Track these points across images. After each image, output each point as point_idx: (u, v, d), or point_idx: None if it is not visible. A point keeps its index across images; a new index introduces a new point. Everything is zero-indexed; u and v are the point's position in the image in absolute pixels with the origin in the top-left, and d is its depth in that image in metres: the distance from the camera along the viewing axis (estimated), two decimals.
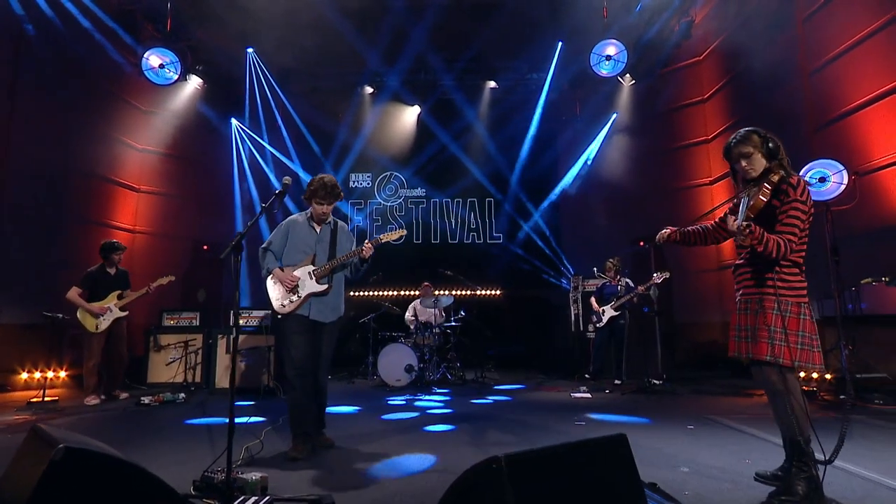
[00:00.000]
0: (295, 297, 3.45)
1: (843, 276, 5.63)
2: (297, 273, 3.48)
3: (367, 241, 3.47)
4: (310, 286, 3.47)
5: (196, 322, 6.73)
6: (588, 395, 5.82)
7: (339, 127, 9.92)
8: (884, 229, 5.59)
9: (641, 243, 9.27)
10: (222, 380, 5.93)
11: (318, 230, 3.62)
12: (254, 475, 2.45)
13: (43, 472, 1.80)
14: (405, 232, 3.72)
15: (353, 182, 10.19)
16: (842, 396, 5.14)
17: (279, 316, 3.50)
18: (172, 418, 4.66)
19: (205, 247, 9.42)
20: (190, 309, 6.90)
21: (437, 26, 8.01)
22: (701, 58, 9.03)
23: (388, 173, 10.31)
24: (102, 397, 5.50)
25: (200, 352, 6.52)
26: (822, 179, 5.77)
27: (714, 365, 8.00)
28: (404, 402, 5.48)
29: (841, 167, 5.65)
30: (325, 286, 3.49)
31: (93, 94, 7.73)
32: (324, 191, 3.46)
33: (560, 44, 8.52)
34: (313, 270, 3.50)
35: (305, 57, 8.34)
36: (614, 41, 7.26)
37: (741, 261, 2.65)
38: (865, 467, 2.85)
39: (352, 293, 8.67)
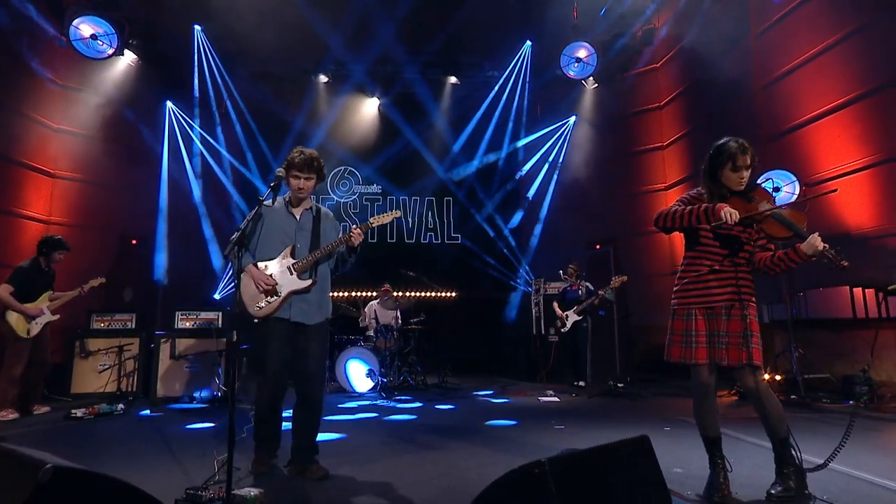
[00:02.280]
0: (273, 298, 3.06)
1: (792, 282, 6.20)
2: (273, 268, 3.10)
3: (354, 226, 3.14)
4: (290, 283, 3.09)
5: (131, 325, 6.27)
6: (556, 399, 5.98)
7: (291, 117, 9.55)
8: (829, 238, 6.13)
9: (598, 246, 9.68)
10: (165, 388, 5.56)
11: (298, 216, 3.22)
12: (251, 491, 2.33)
13: (28, 499, 1.63)
14: (399, 213, 3.45)
15: None
16: (793, 396, 5.62)
17: (255, 320, 3.08)
18: (115, 432, 4.32)
19: (133, 241, 8.82)
20: (124, 310, 6.40)
21: (401, 16, 7.95)
22: (658, 65, 9.54)
23: (343, 168, 10.10)
24: (16, 415, 4.93)
25: (137, 358, 6.07)
26: (776, 189, 6.28)
27: (666, 367, 8.48)
28: (373, 410, 5.40)
29: (794, 178, 6.17)
30: (309, 281, 3.11)
31: None
32: (301, 159, 3.09)
33: (529, 43, 8.73)
34: (293, 264, 3.12)
35: (259, 40, 7.98)
36: (585, 44, 7.53)
37: (720, 266, 2.67)
38: (837, 462, 3.12)
39: None
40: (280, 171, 2.96)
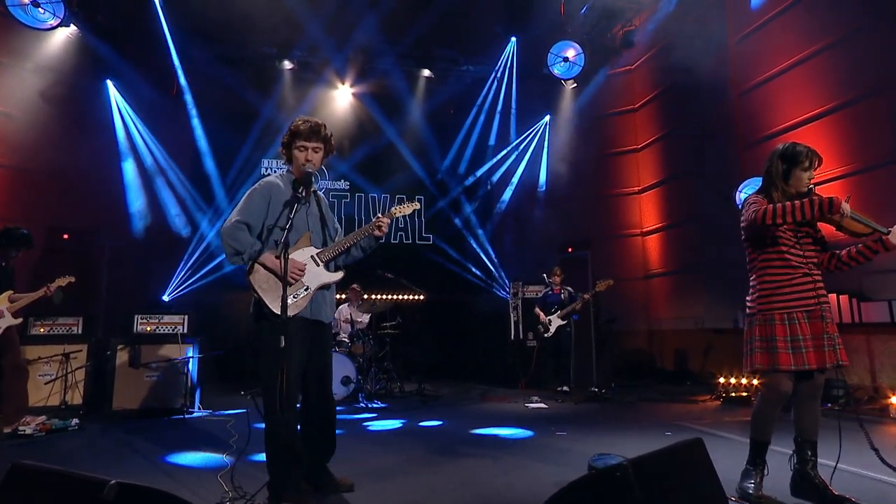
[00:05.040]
0: (303, 291, 2.81)
1: None
2: (297, 258, 2.81)
3: (379, 214, 3.06)
4: (318, 276, 2.88)
5: (77, 329, 5.89)
6: (544, 406, 6.14)
7: (252, 104, 9.18)
8: None
9: (570, 249, 10.00)
10: (124, 399, 5.27)
11: (307, 199, 2.98)
12: None
13: None
14: (418, 205, 3.45)
15: (266, 169, 9.55)
16: None
17: (281, 319, 2.54)
18: (78, 449, 4.08)
19: (65, 235, 8.28)
20: (67, 313, 5.99)
21: (378, 5, 7.91)
22: (633, 67, 9.99)
23: None
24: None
25: (87, 367, 5.73)
26: None
27: (641, 372, 8.91)
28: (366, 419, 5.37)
29: None
30: (340, 274, 3.00)
31: None
32: (307, 127, 2.86)
33: (514, 40, 8.91)
34: (317, 253, 2.92)
35: (223, 20, 7.69)
36: (574, 44, 7.78)
37: (807, 269, 2.81)
38: (843, 462, 3.41)
39: None
40: (308, 167, 2.85)
